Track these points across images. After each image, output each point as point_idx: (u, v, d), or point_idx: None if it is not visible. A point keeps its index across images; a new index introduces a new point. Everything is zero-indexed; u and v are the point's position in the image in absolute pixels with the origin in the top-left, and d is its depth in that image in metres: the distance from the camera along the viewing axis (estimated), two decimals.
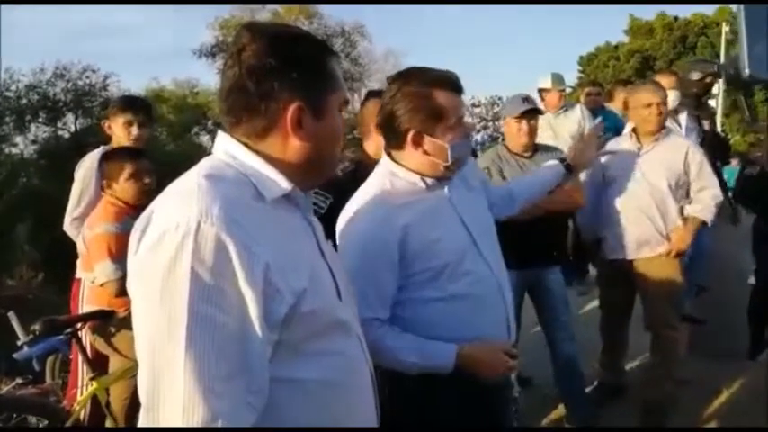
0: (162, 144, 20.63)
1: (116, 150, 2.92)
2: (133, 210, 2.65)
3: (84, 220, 2.85)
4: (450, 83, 1.59)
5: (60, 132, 20.87)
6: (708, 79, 3.95)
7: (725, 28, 17.65)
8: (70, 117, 20.77)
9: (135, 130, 3.05)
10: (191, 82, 26.35)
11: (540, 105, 4.59)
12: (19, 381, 3.46)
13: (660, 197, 2.99)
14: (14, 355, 3.01)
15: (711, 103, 4.73)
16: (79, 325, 2.70)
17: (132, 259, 0.96)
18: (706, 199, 3.02)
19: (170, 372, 0.88)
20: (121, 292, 2.50)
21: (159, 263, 0.89)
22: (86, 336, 2.77)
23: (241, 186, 1.01)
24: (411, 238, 1.55)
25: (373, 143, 2.32)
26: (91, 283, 2.75)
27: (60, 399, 3.12)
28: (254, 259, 0.92)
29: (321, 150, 1.08)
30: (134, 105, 3.14)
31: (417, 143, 1.58)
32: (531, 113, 2.92)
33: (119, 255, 2.52)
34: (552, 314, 3.01)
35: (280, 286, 0.95)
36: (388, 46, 41.81)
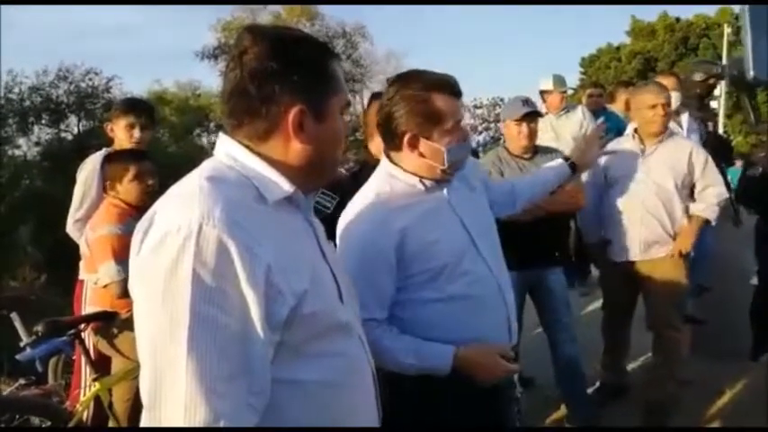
0: (164, 146, 20.63)
1: (119, 152, 2.93)
2: (136, 211, 2.66)
3: (87, 222, 2.87)
4: (449, 86, 1.59)
5: (63, 134, 20.89)
6: (711, 80, 3.95)
7: (727, 29, 17.57)
8: (73, 119, 20.81)
9: (137, 133, 3.05)
10: (193, 84, 26.43)
11: (542, 107, 4.60)
12: (22, 382, 3.46)
13: (666, 197, 2.98)
14: (17, 357, 3.02)
15: (713, 104, 4.73)
16: (82, 326, 2.71)
17: (134, 261, 0.96)
18: (709, 197, 3.01)
19: (172, 372, 0.88)
20: (125, 293, 2.50)
21: (161, 264, 0.90)
22: (89, 337, 2.77)
23: (243, 188, 1.01)
24: (408, 240, 1.55)
25: (377, 144, 2.32)
26: (94, 284, 2.76)
27: (63, 400, 3.13)
28: (255, 261, 0.92)
29: (322, 153, 1.09)
30: (136, 108, 3.14)
31: (413, 146, 1.58)
32: (531, 116, 2.92)
33: (122, 256, 2.53)
34: (554, 315, 3.01)
35: (281, 288, 0.95)
36: (389, 47, 41.78)
